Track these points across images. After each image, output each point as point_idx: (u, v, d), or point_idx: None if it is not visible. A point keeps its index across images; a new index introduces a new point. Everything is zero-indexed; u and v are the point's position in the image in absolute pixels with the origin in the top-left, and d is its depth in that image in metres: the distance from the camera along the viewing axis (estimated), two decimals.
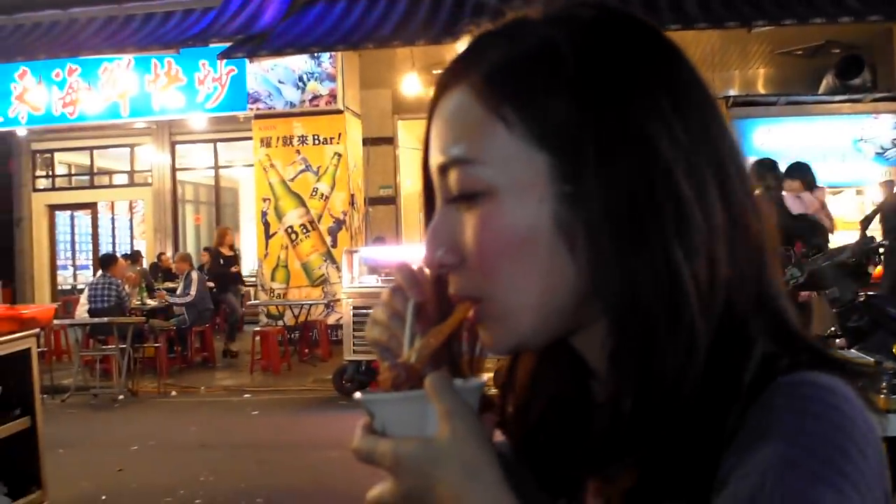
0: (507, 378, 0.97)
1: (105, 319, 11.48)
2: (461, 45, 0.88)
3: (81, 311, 12.37)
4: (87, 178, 19.51)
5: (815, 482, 0.67)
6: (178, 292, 13.46)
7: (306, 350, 13.70)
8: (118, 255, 14.22)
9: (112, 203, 20.11)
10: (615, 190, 0.77)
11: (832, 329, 4.33)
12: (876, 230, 9.34)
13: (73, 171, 19.88)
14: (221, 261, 14.59)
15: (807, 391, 0.73)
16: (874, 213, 6.80)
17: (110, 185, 19.61)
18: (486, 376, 0.90)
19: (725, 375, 0.75)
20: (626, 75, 0.79)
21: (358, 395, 0.79)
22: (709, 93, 0.84)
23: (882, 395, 3.25)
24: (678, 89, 0.81)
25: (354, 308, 10.20)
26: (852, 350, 3.91)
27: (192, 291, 13.16)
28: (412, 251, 12.57)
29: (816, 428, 0.70)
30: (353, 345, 10.19)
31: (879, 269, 8.95)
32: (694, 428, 0.74)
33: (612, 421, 0.78)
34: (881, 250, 4.98)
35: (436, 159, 0.85)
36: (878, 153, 11.89)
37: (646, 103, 0.78)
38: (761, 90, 16.48)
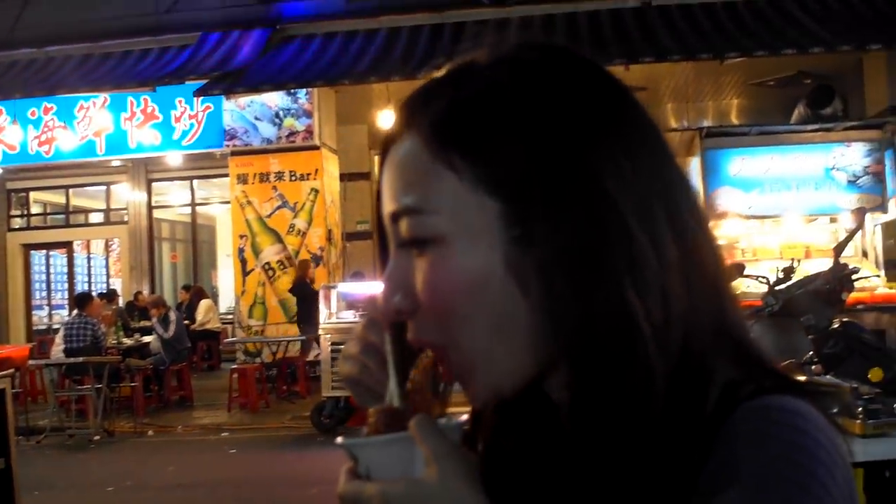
0: (477, 417, 0.96)
1: (81, 359, 11.36)
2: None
3: (57, 350, 12.27)
4: (62, 216, 19.40)
5: None
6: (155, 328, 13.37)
7: (284, 387, 13.60)
8: (94, 294, 14.10)
9: (88, 241, 20.02)
10: (565, 232, 0.76)
11: (808, 355, 4.33)
12: (849, 257, 9.42)
13: (48, 210, 19.78)
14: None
15: (770, 415, 0.73)
16: (847, 239, 6.87)
17: (86, 224, 19.51)
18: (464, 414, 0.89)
19: (686, 408, 0.75)
20: (572, 117, 0.79)
21: (340, 439, 0.79)
22: (657, 131, 0.84)
23: (858, 421, 3.26)
24: (626, 129, 0.81)
25: (333, 344, 10.17)
26: (828, 376, 3.91)
27: (172, 329, 13.08)
28: None
29: (782, 452, 0.70)
30: (332, 381, 10.14)
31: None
32: (657, 463, 0.74)
33: (576, 459, 0.78)
34: (853, 277, 5.01)
35: (388, 207, 0.85)
36: (850, 181, 12.01)
37: (593, 145, 0.78)
38: (734, 121, 16.63)
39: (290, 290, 13.88)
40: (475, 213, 0.79)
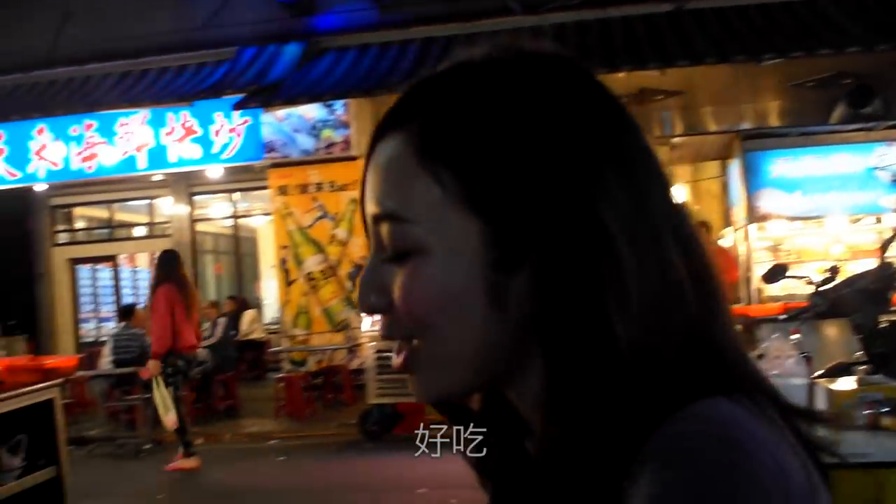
0: None
1: (130, 369, 11.52)
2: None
3: (104, 362, 12.45)
4: (106, 231, 19.65)
5: None
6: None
7: (330, 395, 13.69)
8: (138, 305, 14.25)
9: (132, 255, 20.22)
10: (555, 260, 0.76)
11: (857, 355, 4.34)
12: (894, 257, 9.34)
13: (92, 225, 20.00)
14: None
15: (695, 426, 0.71)
16: (892, 238, 6.83)
17: (130, 238, 19.74)
18: None
19: (627, 419, 0.73)
20: (568, 139, 0.77)
21: None
22: (650, 153, 0.83)
23: None
24: (621, 153, 0.80)
25: (377, 352, 10.22)
26: (877, 375, 3.93)
27: (218, 333, 13.28)
28: None
29: (704, 472, 0.67)
30: (377, 388, 10.22)
31: None
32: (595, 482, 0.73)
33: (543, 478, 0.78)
34: None
35: (370, 209, 0.84)
36: (893, 180, 11.87)
37: (588, 171, 0.77)
38: (774, 122, 16.52)
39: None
40: (456, 230, 0.78)
